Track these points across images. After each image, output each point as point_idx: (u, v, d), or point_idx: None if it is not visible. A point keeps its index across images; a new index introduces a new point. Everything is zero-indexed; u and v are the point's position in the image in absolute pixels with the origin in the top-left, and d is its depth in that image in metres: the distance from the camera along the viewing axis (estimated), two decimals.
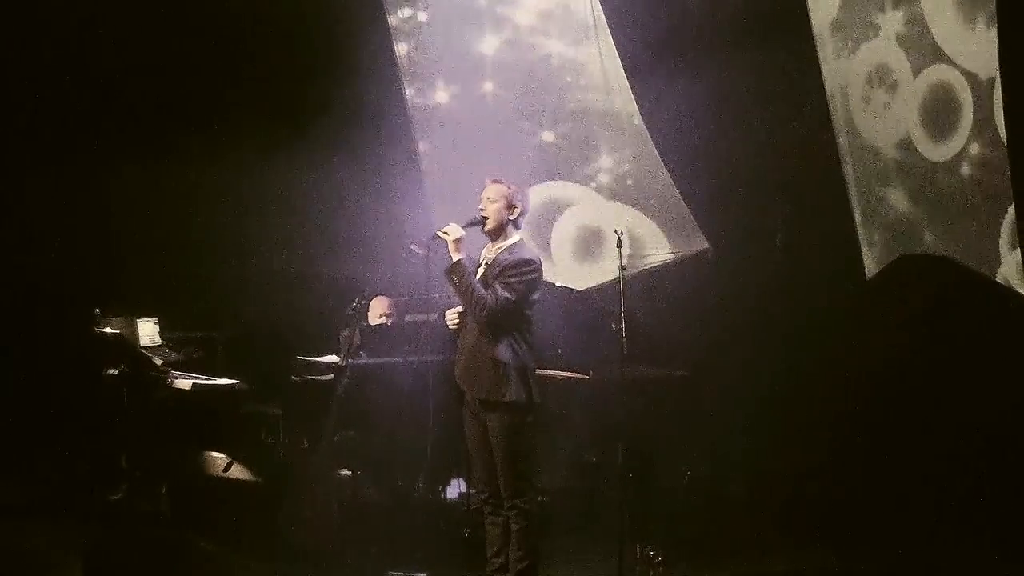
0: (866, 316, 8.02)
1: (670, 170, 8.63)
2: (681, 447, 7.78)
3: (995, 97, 7.17)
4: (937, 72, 7.59)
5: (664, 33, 8.23)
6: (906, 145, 7.87)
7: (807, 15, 8.30)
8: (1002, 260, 7.32)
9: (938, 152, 7.67)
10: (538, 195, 8.84)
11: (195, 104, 8.79)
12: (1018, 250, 7.17)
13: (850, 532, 7.41)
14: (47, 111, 8.70)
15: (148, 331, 7.98)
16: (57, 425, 8.37)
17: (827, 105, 8.34)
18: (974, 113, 7.35)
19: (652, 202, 8.80)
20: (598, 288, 8.29)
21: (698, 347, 8.01)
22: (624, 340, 6.48)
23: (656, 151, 8.63)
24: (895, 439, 7.76)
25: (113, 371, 7.61)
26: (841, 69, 8.23)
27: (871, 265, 8.28)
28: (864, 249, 8.31)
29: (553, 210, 8.98)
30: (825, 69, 8.31)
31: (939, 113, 7.61)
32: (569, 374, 7.31)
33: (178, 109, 8.78)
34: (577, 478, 7.60)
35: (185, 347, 8.18)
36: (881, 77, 7.97)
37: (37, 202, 8.64)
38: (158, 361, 7.79)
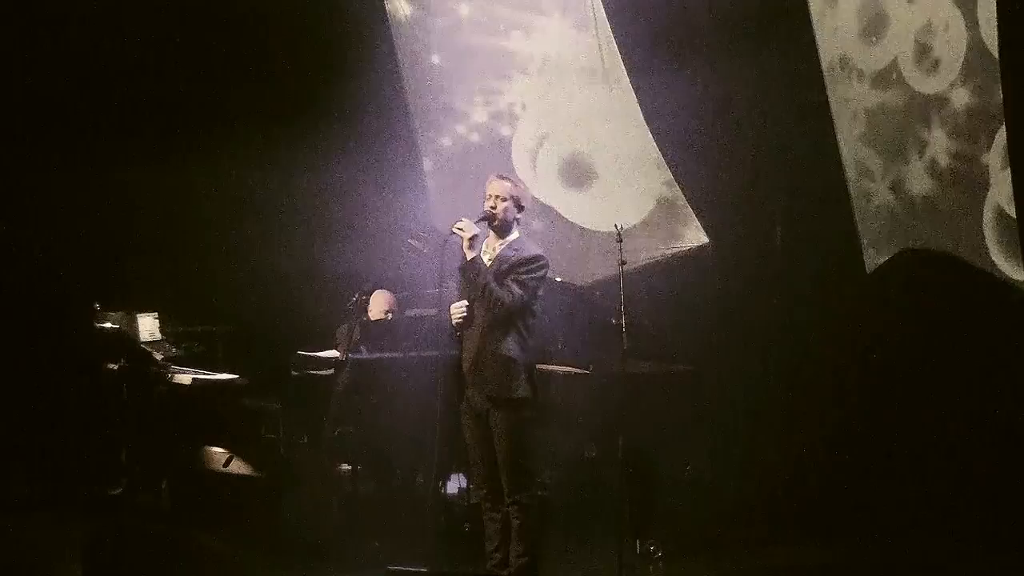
0: (866, 311, 8.02)
1: (670, 164, 8.62)
2: (681, 442, 7.78)
3: (982, 21, 7.16)
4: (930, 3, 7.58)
5: (664, 28, 8.22)
6: (895, 76, 7.84)
7: (807, 10, 8.29)
8: (991, 181, 7.28)
9: (929, 84, 7.65)
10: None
11: (196, 101, 8.78)
12: (1008, 171, 7.14)
13: (850, 527, 7.41)
14: (49, 108, 8.69)
15: (148, 326, 7.98)
16: (57, 420, 8.37)
17: (827, 100, 8.33)
18: (967, 41, 7.32)
19: (651, 197, 8.80)
20: (598, 283, 8.29)
21: (698, 342, 8.01)
22: (624, 335, 6.48)
23: (656, 145, 8.62)
24: (895, 434, 7.77)
25: (113, 366, 7.61)
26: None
27: (871, 260, 8.28)
28: (864, 243, 8.31)
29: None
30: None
31: (929, 43, 7.59)
32: (570, 369, 7.32)
33: (179, 106, 8.78)
34: (577, 473, 7.60)
35: (185, 342, 8.18)
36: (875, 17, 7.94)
37: (38, 197, 8.63)
38: (158, 356, 7.79)
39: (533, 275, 6.05)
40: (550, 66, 8.93)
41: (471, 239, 6.09)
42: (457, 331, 6.17)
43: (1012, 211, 7.13)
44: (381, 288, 7.84)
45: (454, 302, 6.21)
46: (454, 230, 6.13)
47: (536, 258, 6.09)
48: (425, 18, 9.09)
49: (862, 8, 7.99)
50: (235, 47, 8.83)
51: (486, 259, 6.15)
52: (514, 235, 6.18)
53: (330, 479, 7.37)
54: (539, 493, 6.32)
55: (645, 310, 7.25)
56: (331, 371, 7.54)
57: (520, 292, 6.01)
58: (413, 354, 6.82)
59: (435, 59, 9.12)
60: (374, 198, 8.79)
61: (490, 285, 6.01)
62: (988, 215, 7.38)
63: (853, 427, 7.89)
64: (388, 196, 8.77)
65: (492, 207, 6.16)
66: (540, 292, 6.12)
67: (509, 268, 6.05)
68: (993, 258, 7.36)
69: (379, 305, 7.80)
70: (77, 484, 7.89)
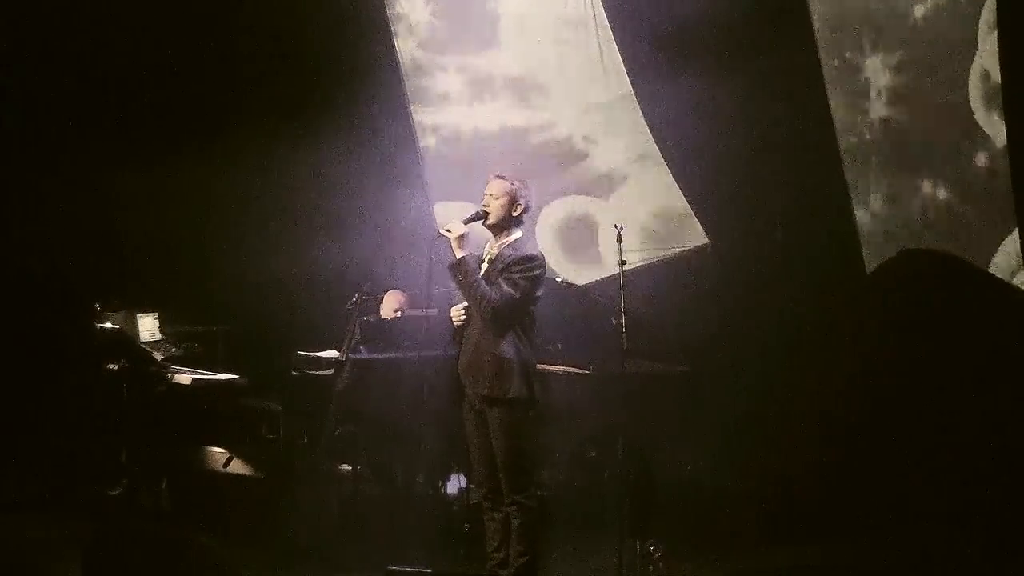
0: (866, 311, 8.02)
1: (670, 164, 8.62)
2: (681, 442, 7.78)
3: None
4: None
5: (665, 29, 8.23)
6: None
7: (807, 11, 8.30)
8: (978, 44, 7.25)
9: None
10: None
11: (195, 102, 8.79)
12: (995, 34, 7.12)
13: (849, 527, 7.41)
14: (50, 109, 8.70)
15: (148, 326, 7.99)
16: (57, 420, 8.36)
17: (827, 99, 8.33)
18: None
19: (651, 196, 8.80)
20: (598, 283, 8.29)
21: (698, 342, 8.00)
22: (624, 335, 6.48)
23: (656, 146, 8.63)
24: (894, 434, 7.76)
25: (113, 366, 7.61)
26: None
27: (871, 260, 8.28)
28: (864, 243, 8.31)
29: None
30: None
31: None
32: (570, 369, 7.31)
33: (180, 108, 8.79)
34: (577, 473, 7.60)
35: (185, 342, 8.18)
36: None
37: (39, 197, 8.63)
38: (158, 356, 7.80)
39: (525, 275, 6.00)
40: (549, 66, 8.94)
41: (459, 238, 6.08)
42: (458, 335, 6.17)
43: (997, 76, 7.12)
44: (387, 288, 7.84)
45: (453, 304, 6.22)
46: (442, 232, 6.12)
47: (530, 258, 6.05)
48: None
49: None
50: (235, 47, 8.84)
51: (487, 259, 6.15)
52: (515, 235, 6.14)
53: (330, 479, 7.36)
54: (539, 493, 6.31)
55: (645, 310, 7.25)
56: (331, 371, 7.54)
57: (509, 291, 5.97)
58: (413, 354, 6.82)
59: (434, 57, 9.15)
60: (374, 198, 8.79)
61: (476, 283, 6.00)
62: (974, 78, 7.35)
63: (853, 427, 7.88)
64: (388, 196, 8.77)
65: (484, 206, 6.15)
66: (538, 293, 6.08)
67: (504, 268, 6.04)
68: (977, 119, 7.34)
69: (390, 304, 7.79)
70: (77, 484, 7.89)
